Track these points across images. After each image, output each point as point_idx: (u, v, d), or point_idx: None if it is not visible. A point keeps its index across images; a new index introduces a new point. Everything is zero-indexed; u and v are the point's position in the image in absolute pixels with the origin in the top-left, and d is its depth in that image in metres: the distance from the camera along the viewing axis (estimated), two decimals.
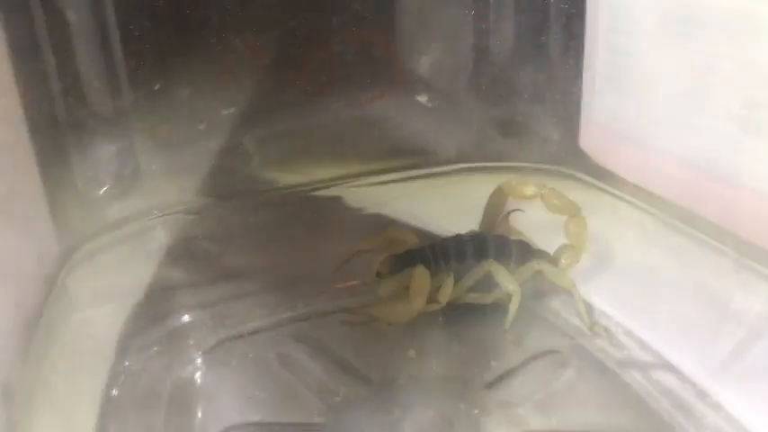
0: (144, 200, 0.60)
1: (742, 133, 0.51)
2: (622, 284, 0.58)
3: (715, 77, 0.53)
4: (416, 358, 0.52)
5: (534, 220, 0.58)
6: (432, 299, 0.54)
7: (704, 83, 0.53)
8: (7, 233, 0.48)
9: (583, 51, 0.64)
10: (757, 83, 0.50)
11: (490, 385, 0.49)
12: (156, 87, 0.57)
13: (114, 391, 0.48)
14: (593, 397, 0.49)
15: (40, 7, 0.50)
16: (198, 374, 0.51)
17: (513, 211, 0.59)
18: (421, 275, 0.53)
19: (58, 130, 0.54)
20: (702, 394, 0.47)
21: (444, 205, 0.67)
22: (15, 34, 0.48)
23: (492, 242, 0.57)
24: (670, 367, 0.50)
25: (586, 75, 0.65)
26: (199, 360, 0.53)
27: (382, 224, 0.60)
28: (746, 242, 0.53)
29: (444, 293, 0.54)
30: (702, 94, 0.54)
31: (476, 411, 0.47)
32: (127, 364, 0.51)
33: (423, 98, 0.68)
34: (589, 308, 0.55)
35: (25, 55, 0.50)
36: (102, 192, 0.58)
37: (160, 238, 0.60)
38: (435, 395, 0.49)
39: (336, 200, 0.67)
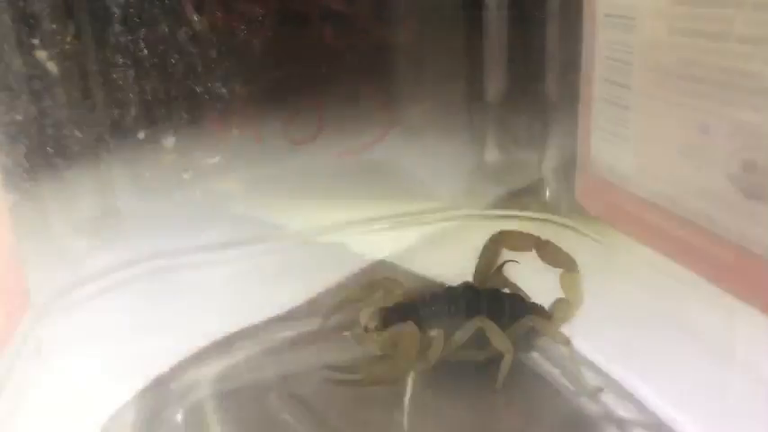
0: (122, 252, 0.59)
1: (742, 196, 0.49)
2: (620, 339, 0.56)
3: (713, 136, 0.52)
4: (403, 421, 0.50)
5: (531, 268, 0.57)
6: (421, 357, 0.52)
7: (702, 141, 0.52)
8: None
9: (578, 101, 0.63)
10: (755, 144, 0.49)
11: None
12: (141, 137, 0.56)
13: None
14: None
15: (19, 57, 0.49)
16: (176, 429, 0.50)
17: (508, 261, 0.57)
18: (410, 335, 0.51)
19: (35, 180, 0.52)
20: None
21: (437, 254, 0.66)
22: None
23: (485, 297, 0.55)
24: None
25: (581, 125, 0.64)
26: (179, 417, 0.51)
27: (371, 272, 0.58)
28: (744, 304, 0.51)
29: (434, 352, 0.52)
30: (700, 152, 0.53)
31: None
32: (100, 416, 0.49)
33: (416, 145, 0.67)
34: (583, 365, 0.53)
35: (3, 105, 0.49)
36: (80, 243, 0.57)
37: (138, 288, 0.59)
38: None
39: (324, 247, 0.65)
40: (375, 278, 0.58)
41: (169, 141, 0.57)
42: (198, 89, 0.57)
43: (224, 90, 0.57)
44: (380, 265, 0.62)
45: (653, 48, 0.56)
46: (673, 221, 0.56)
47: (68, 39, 0.50)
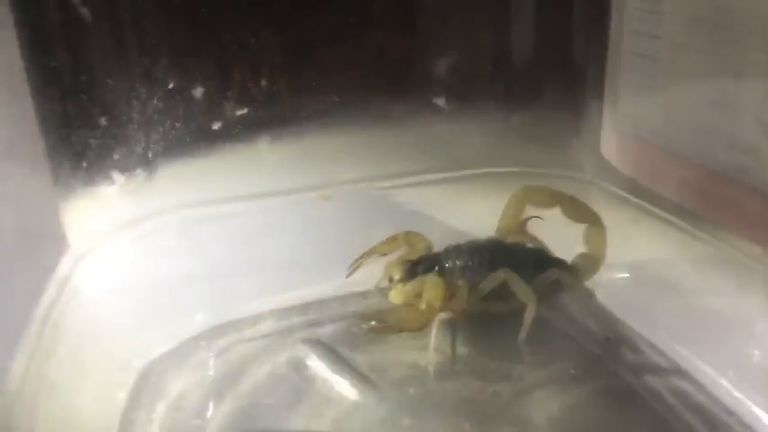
0: (155, 199, 0.59)
1: None
2: (642, 294, 0.57)
3: (745, 84, 0.51)
4: (428, 367, 0.51)
5: (552, 227, 0.57)
6: (445, 307, 0.53)
7: (735, 89, 0.51)
8: (19, 229, 0.47)
9: (606, 55, 0.63)
10: None
11: (504, 399, 0.48)
12: (170, 86, 0.56)
13: (122, 393, 0.48)
14: (611, 414, 0.48)
15: (56, 4, 0.49)
16: (208, 377, 0.51)
17: (531, 218, 0.58)
18: (435, 283, 0.52)
19: (70, 127, 0.53)
20: (728, 411, 0.46)
21: (460, 210, 0.66)
22: (28, 31, 0.47)
23: (508, 250, 0.55)
24: (692, 382, 0.48)
25: (608, 79, 0.63)
26: (210, 362, 0.52)
27: (396, 227, 0.58)
28: None
29: (458, 302, 0.53)
30: (732, 102, 0.52)
31: (488, 427, 0.46)
32: (135, 364, 0.50)
33: (440, 101, 0.66)
34: (607, 319, 0.54)
35: (38, 52, 0.49)
36: (113, 190, 0.58)
37: (172, 237, 0.60)
38: (447, 407, 0.47)
39: (350, 203, 0.66)
40: (398, 233, 0.58)
41: (198, 91, 0.57)
42: (227, 39, 0.57)
43: (253, 40, 0.57)
44: (405, 219, 0.63)
45: None
46: (703, 175, 0.56)
47: None
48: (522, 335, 0.52)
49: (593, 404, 0.48)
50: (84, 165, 0.55)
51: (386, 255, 0.58)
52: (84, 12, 0.50)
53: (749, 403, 0.46)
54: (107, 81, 0.53)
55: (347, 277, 0.58)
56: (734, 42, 0.51)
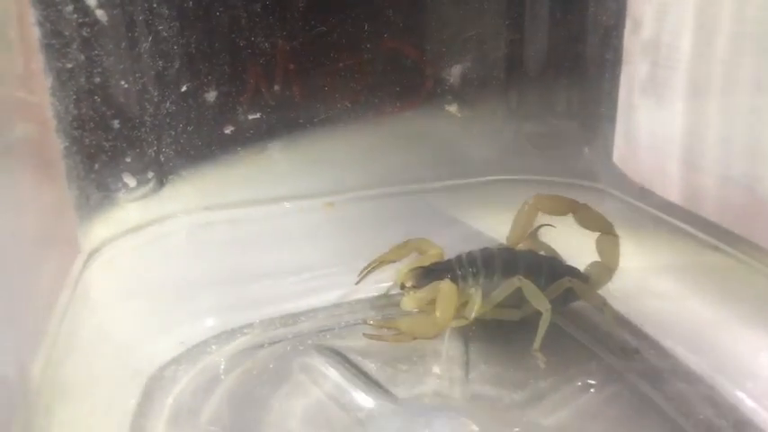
0: (167, 203, 0.59)
1: None
2: (655, 303, 0.56)
3: (764, 95, 0.51)
4: (442, 375, 0.51)
5: (565, 235, 0.57)
6: (458, 314, 0.52)
7: (755, 99, 0.51)
8: (31, 231, 0.47)
9: (620, 64, 0.63)
10: None
11: (518, 406, 0.48)
12: (184, 89, 0.56)
13: (132, 400, 0.47)
14: (624, 422, 0.47)
15: (70, 3, 0.49)
16: (219, 383, 0.50)
17: (543, 225, 0.57)
18: (448, 290, 0.51)
19: (83, 128, 0.53)
20: (743, 420, 0.45)
21: (471, 217, 0.66)
22: (45, 32, 0.47)
23: (521, 257, 0.55)
24: (707, 393, 0.48)
25: (623, 88, 0.63)
26: (221, 367, 0.52)
27: (407, 234, 0.58)
28: None
29: (472, 309, 0.53)
30: (753, 111, 0.52)
31: None
32: (147, 369, 0.50)
33: (452, 108, 0.66)
34: (620, 327, 0.54)
35: (54, 53, 0.49)
36: (125, 194, 0.57)
37: (182, 241, 0.59)
38: (461, 414, 0.47)
39: (361, 209, 0.66)
40: (409, 239, 0.58)
41: (211, 95, 0.57)
42: (241, 43, 0.57)
43: (267, 45, 0.57)
44: (416, 226, 0.62)
45: (709, 4, 0.55)
46: (718, 184, 0.56)
47: None
48: (537, 343, 0.52)
49: (607, 411, 0.48)
50: (96, 167, 0.54)
51: (396, 261, 0.58)
52: (100, 14, 0.50)
53: (765, 414, 0.45)
54: (120, 83, 0.53)
55: (357, 283, 0.58)
56: (757, 52, 0.51)
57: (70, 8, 0.49)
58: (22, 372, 0.40)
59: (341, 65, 0.60)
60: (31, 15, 0.46)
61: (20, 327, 0.41)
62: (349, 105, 0.63)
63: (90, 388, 0.46)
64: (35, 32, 0.47)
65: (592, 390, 0.49)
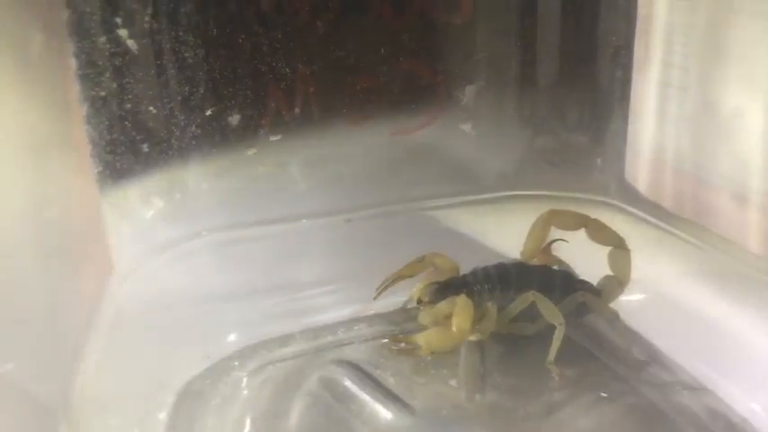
0: (192, 222, 0.61)
1: None
2: (667, 317, 0.57)
3: None
4: (459, 389, 0.52)
5: (577, 250, 0.58)
6: (474, 329, 0.54)
7: (765, 119, 0.52)
8: (70, 251, 0.49)
9: (630, 83, 0.64)
10: None
11: (534, 418, 0.49)
12: (208, 113, 0.58)
13: (162, 413, 0.49)
14: None
15: (103, 34, 0.52)
16: (242, 396, 0.52)
17: (556, 240, 0.59)
18: (465, 304, 0.53)
19: (115, 153, 0.55)
20: None
21: (485, 233, 0.67)
22: (83, 61, 0.50)
23: (535, 272, 0.56)
24: (719, 405, 0.49)
25: (634, 105, 0.65)
26: (244, 381, 0.53)
27: (423, 249, 0.60)
28: None
29: (488, 324, 0.54)
30: (762, 130, 0.53)
31: None
32: (174, 384, 0.52)
33: (467, 126, 0.68)
34: (632, 340, 0.55)
35: (89, 82, 0.52)
36: (154, 214, 0.60)
37: (207, 258, 0.61)
38: (478, 426, 0.48)
39: (377, 225, 0.67)
40: (425, 255, 0.59)
41: (234, 119, 0.59)
42: (263, 69, 0.59)
43: (288, 70, 0.59)
44: (431, 242, 0.64)
45: (717, 27, 0.56)
46: (729, 200, 0.57)
47: (147, 18, 0.53)
48: (552, 356, 0.53)
49: (621, 423, 0.49)
50: (128, 190, 0.57)
51: (413, 276, 0.59)
52: (131, 44, 0.52)
53: None
54: (149, 108, 0.55)
55: (375, 299, 0.59)
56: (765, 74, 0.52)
57: (103, 39, 0.51)
58: (64, 387, 0.41)
59: (358, 87, 0.62)
60: (69, 47, 0.48)
61: (61, 344, 0.43)
62: (366, 125, 0.65)
63: (123, 401, 0.47)
64: (72, 64, 0.49)
65: (605, 402, 0.50)
